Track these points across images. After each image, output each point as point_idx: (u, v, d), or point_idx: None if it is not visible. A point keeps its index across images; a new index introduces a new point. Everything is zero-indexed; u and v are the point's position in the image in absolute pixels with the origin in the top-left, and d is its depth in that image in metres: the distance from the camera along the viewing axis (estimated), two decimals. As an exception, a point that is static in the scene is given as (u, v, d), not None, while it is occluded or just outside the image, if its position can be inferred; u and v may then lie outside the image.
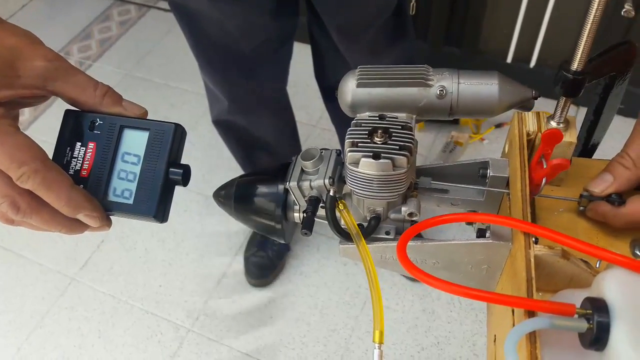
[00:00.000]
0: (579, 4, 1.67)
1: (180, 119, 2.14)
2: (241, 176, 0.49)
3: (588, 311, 0.32)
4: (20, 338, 1.57)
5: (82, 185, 0.44)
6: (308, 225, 0.42)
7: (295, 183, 0.43)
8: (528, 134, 0.44)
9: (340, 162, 0.44)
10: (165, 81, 2.21)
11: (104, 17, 2.53)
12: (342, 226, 0.43)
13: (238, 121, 1.33)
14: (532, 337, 0.33)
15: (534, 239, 0.39)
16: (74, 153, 0.45)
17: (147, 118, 0.45)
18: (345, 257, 0.45)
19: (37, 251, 1.74)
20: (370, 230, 0.43)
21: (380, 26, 1.12)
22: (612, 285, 0.33)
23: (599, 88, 0.45)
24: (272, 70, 1.23)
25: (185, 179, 0.44)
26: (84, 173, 0.44)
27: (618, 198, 0.41)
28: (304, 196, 0.44)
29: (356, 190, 0.42)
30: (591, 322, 0.31)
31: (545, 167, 0.40)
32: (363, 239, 0.42)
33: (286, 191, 0.45)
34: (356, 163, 0.39)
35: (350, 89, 0.44)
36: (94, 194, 0.43)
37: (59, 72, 0.42)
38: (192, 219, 1.78)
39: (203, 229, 1.75)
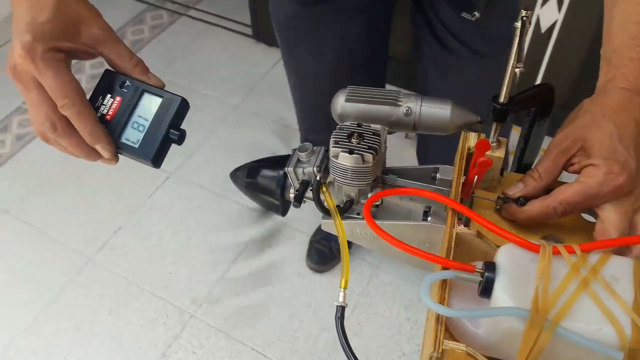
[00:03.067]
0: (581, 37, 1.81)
1: (202, 121, 2.31)
2: (252, 162, 0.63)
3: (482, 270, 0.46)
4: (39, 308, 1.70)
5: (104, 125, 0.57)
6: (298, 199, 0.57)
7: (292, 168, 0.57)
8: (469, 149, 0.58)
9: (327, 157, 0.58)
10: (190, 84, 2.36)
11: (137, 20, 2.69)
12: (324, 204, 0.57)
13: None
14: (443, 284, 0.47)
15: (463, 224, 0.52)
16: (104, 101, 0.58)
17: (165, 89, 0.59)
18: (325, 229, 0.59)
19: (60, 231, 1.88)
20: (345, 209, 0.57)
21: None
22: (502, 253, 0.46)
23: (528, 120, 0.59)
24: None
25: (180, 140, 0.57)
26: (107, 117, 0.58)
27: (524, 200, 0.55)
28: (298, 179, 0.58)
29: (336, 177, 0.56)
30: (483, 277, 0.45)
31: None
32: (339, 215, 0.56)
33: (285, 175, 0.59)
34: (336, 156, 0.53)
35: (340, 103, 0.58)
36: (112, 134, 0.57)
37: (107, 40, 0.57)
38: (205, 215, 1.92)
39: (214, 226, 1.89)
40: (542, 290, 0.43)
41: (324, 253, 1.75)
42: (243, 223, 1.89)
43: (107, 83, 0.59)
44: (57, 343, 1.63)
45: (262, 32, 2.49)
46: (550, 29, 1.76)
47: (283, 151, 2.12)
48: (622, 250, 0.51)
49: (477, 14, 0.86)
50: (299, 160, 0.58)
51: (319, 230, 1.78)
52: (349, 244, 1.92)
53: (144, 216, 1.93)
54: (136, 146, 0.57)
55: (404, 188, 0.53)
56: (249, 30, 2.53)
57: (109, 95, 0.58)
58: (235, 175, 0.63)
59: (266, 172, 0.60)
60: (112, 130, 0.58)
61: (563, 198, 0.53)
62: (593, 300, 0.43)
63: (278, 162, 0.60)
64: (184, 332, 1.65)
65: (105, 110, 0.58)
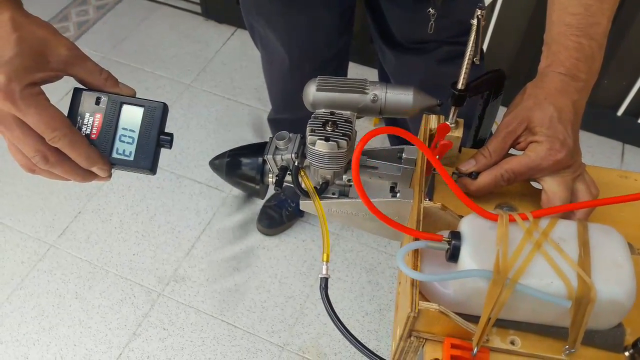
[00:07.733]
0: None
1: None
2: (230, 150, 0.67)
3: (449, 239, 0.52)
4: (1, 298, 1.69)
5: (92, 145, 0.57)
6: (279, 184, 0.61)
7: (271, 156, 0.62)
8: (431, 130, 0.64)
9: (303, 143, 0.63)
10: (141, 66, 2.33)
11: (81, 1, 2.62)
12: (303, 187, 0.62)
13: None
14: (415, 253, 0.53)
15: (427, 198, 0.59)
16: (84, 121, 0.58)
17: (138, 97, 0.59)
18: (303, 209, 0.64)
19: (18, 220, 1.86)
20: (321, 190, 0.63)
21: None
22: (465, 223, 0.53)
23: (481, 102, 0.65)
24: None
25: (171, 143, 0.59)
26: (93, 136, 0.58)
27: (475, 174, 0.62)
28: (277, 165, 0.63)
29: (313, 162, 0.61)
30: (450, 245, 0.52)
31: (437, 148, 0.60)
32: (317, 196, 0.62)
33: (264, 162, 0.64)
34: (313, 144, 0.58)
35: (311, 92, 0.62)
36: (102, 152, 0.57)
37: (76, 59, 0.55)
38: (165, 195, 1.94)
39: (174, 205, 1.91)
40: (502, 253, 0.50)
41: (273, 218, 1.83)
42: (204, 201, 1.92)
43: (81, 101, 0.58)
44: (24, 331, 1.63)
45: (211, 10, 2.47)
46: (494, 1, 1.84)
47: (237, 128, 2.14)
48: (567, 214, 0.59)
49: (431, 10, 0.90)
50: (276, 148, 0.63)
51: (273, 196, 1.85)
52: (302, 213, 1.97)
53: (102, 199, 1.93)
54: (131, 158, 0.58)
55: (391, 127, 0.56)
56: (197, 8, 2.50)
57: (87, 114, 0.58)
58: (214, 163, 0.67)
59: (245, 160, 0.64)
60: (101, 147, 0.58)
61: (508, 167, 0.60)
62: (545, 259, 0.50)
63: (255, 149, 0.64)
64: (153, 310, 1.68)
65: (89, 130, 0.58)
